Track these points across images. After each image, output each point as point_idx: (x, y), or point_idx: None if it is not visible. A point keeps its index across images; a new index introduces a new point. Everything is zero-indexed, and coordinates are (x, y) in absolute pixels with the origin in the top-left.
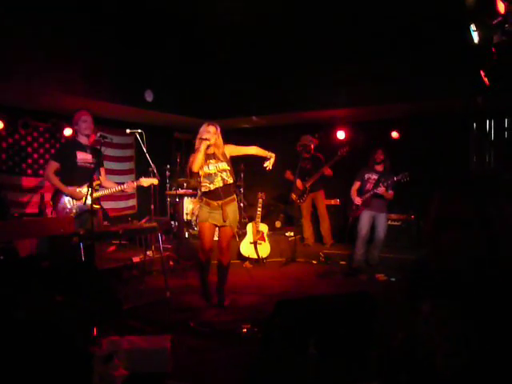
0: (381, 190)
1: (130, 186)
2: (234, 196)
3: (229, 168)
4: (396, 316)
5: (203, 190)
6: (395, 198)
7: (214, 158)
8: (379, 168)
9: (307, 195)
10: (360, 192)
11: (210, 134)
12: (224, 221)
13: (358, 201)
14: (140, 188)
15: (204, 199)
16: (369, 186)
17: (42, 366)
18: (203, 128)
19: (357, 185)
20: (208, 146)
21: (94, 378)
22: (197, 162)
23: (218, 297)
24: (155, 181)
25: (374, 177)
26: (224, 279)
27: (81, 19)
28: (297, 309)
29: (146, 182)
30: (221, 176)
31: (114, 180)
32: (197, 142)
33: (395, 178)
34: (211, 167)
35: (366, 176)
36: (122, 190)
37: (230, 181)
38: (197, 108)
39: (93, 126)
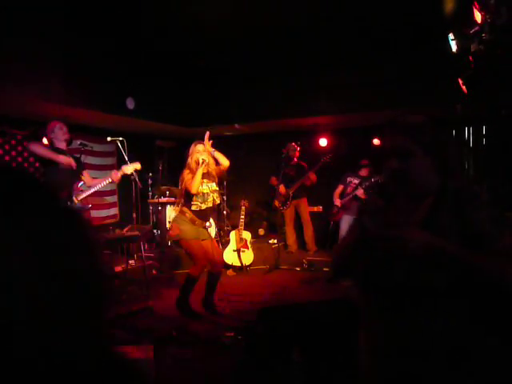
0: (359, 192)
1: (114, 176)
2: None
3: (217, 189)
4: None
5: (193, 208)
6: None
7: (207, 177)
8: (362, 173)
9: (290, 202)
10: (342, 196)
11: (203, 154)
12: (210, 236)
13: (338, 202)
14: (122, 196)
15: (189, 216)
16: (349, 189)
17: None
18: (192, 148)
19: (339, 188)
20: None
21: None
22: (195, 184)
23: (209, 305)
24: (137, 165)
25: (356, 181)
26: (215, 287)
27: (60, 26)
28: (279, 316)
29: (128, 169)
30: (212, 196)
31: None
32: (190, 161)
33: (372, 180)
34: (204, 186)
35: (348, 180)
36: (110, 182)
37: (218, 201)
38: (179, 116)
39: (68, 133)
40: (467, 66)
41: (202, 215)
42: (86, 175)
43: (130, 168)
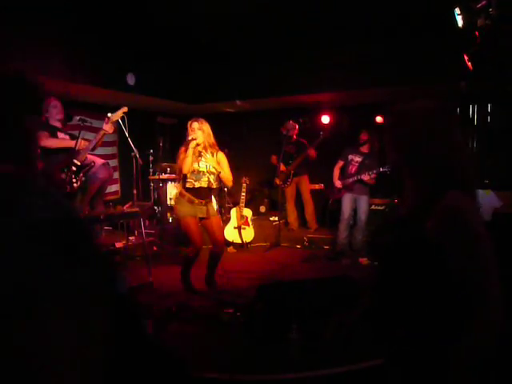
0: (365, 177)
1: (107, 127)
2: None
3: (216, 173)
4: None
5: (187, 186)
6: (379, 182)
7: (205, 156)
8: (364, 149)
9: (291, 179)
10: (342, 172)
11: (194, 132)
12: (207, 214)
13: (338, 184)
14: (123, 173)
15: (187, 196)
16: (351, 168)
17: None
18: (188, 127)
19: (340, 164)
20: (196, 145)
21: None
22: (186, 164)
23: (209, 282)
24: (124, 109)
25: (358, 159)
26: (215, 266)
27: (60, 2)
28: (278, 293)
29: (116, 115)
30: (208, 177)
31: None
32: (184, 144)
33: (381, 169)
34: (201, 165)
35: (350, 157)
36: (104, 134)
37: (215, 185)
38: (180, 92)
39: (63, 112)
40: (473, 42)
41: (198, 194)
42: (82, 143)
43: (118, 114)
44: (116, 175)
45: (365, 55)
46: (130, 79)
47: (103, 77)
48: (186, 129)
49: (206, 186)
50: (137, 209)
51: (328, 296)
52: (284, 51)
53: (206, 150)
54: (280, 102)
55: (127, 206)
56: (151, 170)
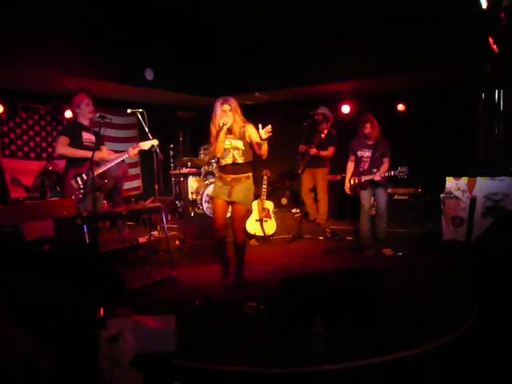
0: (376, 178)
1: (132, 151)
2: (249, 175)
3: (243, 148)
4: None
5: (219, 165)
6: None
7: (231, 133)
8: (370, 142)
9: (304, 165)
10: (356, 167)
11: (225, 115)
12: (229, 196)
13: (347, 188)
14: (145, 168)
15: (218, 173)
16: (363, 165)
17: (47, 348)
18: (217, 107)
19: (352, 159)
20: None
21: (100, 359)
22: (218, 148)
23: (234, 276)
24: (155, 141)
25: (368, 154)
26: (239, 259)
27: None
28: (302, 285)
29: (145, 145)
30: (232, 153)
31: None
32: (212, 127)
33: (392, 173)
34: (227, 142)
35: (359, 154)
36: (126, 156)
37: (240, 160)
38: (198, 86)
39: (94, 111)
40: (498, 23)
41: (225, 170)
42: (104, 149)
43: (147, 144)
44: (138, 171)
45: (385, 41)
46: (149, 74)
47: (121, 73)
48: (214, 110)
49: (230, 162)
50: (158, 204)
51: (352, 288)
52: (302, 41)
53: (233, 128)
54: (299, 93)
55: (149, 201)
56: (172, 165)
